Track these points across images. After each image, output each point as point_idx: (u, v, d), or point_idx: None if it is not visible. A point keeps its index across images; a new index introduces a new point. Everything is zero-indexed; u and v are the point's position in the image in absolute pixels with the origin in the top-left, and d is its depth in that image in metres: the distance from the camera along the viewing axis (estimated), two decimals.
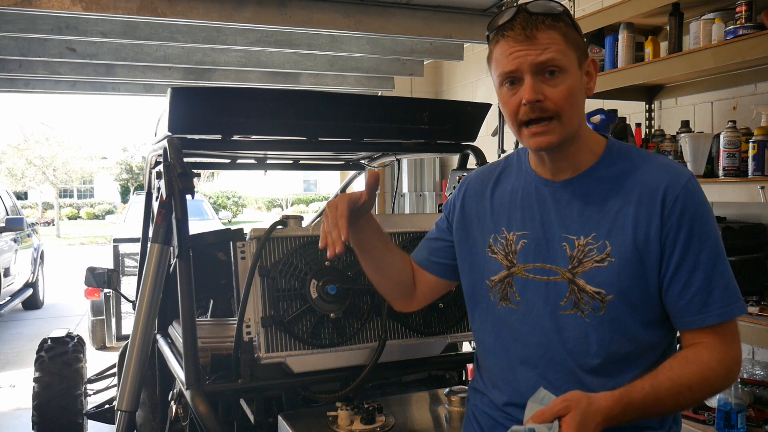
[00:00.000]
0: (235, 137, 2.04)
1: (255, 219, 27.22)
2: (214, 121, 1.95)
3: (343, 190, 3.57)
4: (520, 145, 1.36)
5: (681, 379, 1.16)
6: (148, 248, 2.21)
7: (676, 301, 1.21)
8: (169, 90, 1.83)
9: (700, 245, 1.19)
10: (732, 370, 1.21)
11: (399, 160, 2.83)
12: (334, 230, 1.25)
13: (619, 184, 1.26)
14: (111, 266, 4.71)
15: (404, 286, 1.50)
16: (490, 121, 2.25)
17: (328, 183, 34.43)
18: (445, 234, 1.49)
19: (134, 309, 2.32)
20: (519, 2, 3.99)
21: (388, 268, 1.47)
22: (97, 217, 29.90)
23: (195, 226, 1.91)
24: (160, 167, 1.97)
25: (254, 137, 2.09)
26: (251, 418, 1.75)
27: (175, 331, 2.18)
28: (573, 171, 1.29)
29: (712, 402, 2.42)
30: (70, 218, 29.38)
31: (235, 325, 1.71)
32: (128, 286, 4.66)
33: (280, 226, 1.85)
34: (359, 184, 7.19)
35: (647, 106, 3.41)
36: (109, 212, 29.07)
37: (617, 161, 1.29)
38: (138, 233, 2.92)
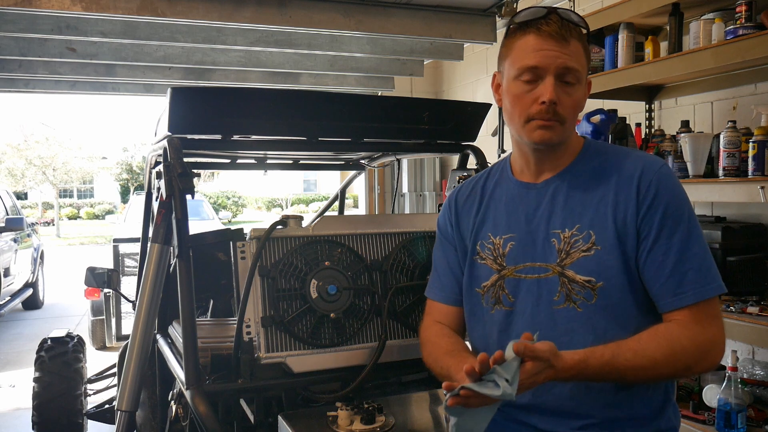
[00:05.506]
0: (235, 137, 2.04)
1: (255, 219, 27.19)
2: (214, 121, 1.95)
3: (343, 190, 3.56)
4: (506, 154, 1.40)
5: (645, 352, 1.17)
6: (148, 248, 2.21)
7: (653, 284, 1.23)
8: (169, 90, 1.83)
9: (673, 228, 1.22)
10: (708, 351, 1.21)
11: (399, 160, 2.82)
12: None
13: (597, 176, 1.30)
14: (111, 266, 4.71)
15: None
16: (490, 121, 2.25)
17: (328, 183, 34.41)
18: (456, 262, 1.49)
19: (134, 309, 2.32)
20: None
21: None
22: (97, 217, 29.87)
23: (194, 227, 1.91)
24: (160, 167, 1.97)
25: (254, 137, 2.08)
26: (251, 418, 1.75)
27: (175, 331, 2.18)
28: (553, 171, 1.35)
29: (712, 402, 2.42)
30: (70, 218, 29.35)
31: (235, 325, 1.71)
32: (128, 286, 4.66)
33: (280, 226, 1.85)
34: (359, 183, 7.16)
35: (647, 106, 3.41)
36: (109, 212, 29.05)
37: (594, 157, 1.34)
38: (138, 233, 2.92)
